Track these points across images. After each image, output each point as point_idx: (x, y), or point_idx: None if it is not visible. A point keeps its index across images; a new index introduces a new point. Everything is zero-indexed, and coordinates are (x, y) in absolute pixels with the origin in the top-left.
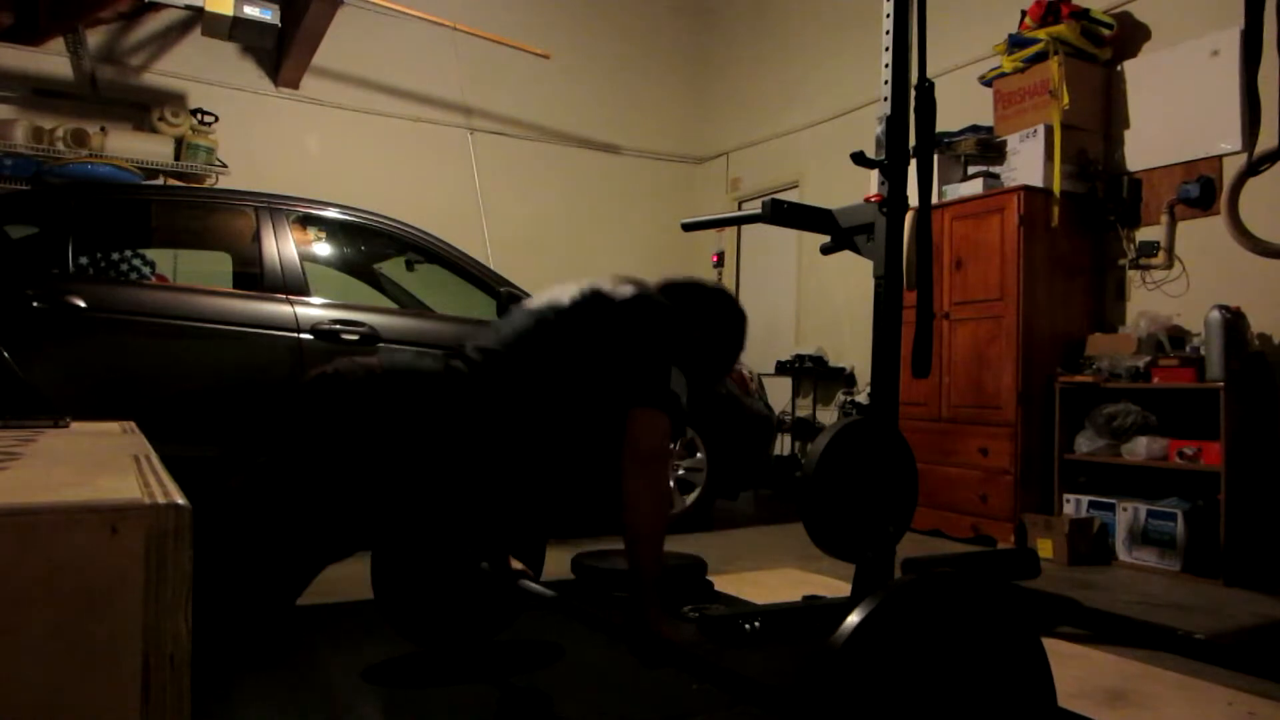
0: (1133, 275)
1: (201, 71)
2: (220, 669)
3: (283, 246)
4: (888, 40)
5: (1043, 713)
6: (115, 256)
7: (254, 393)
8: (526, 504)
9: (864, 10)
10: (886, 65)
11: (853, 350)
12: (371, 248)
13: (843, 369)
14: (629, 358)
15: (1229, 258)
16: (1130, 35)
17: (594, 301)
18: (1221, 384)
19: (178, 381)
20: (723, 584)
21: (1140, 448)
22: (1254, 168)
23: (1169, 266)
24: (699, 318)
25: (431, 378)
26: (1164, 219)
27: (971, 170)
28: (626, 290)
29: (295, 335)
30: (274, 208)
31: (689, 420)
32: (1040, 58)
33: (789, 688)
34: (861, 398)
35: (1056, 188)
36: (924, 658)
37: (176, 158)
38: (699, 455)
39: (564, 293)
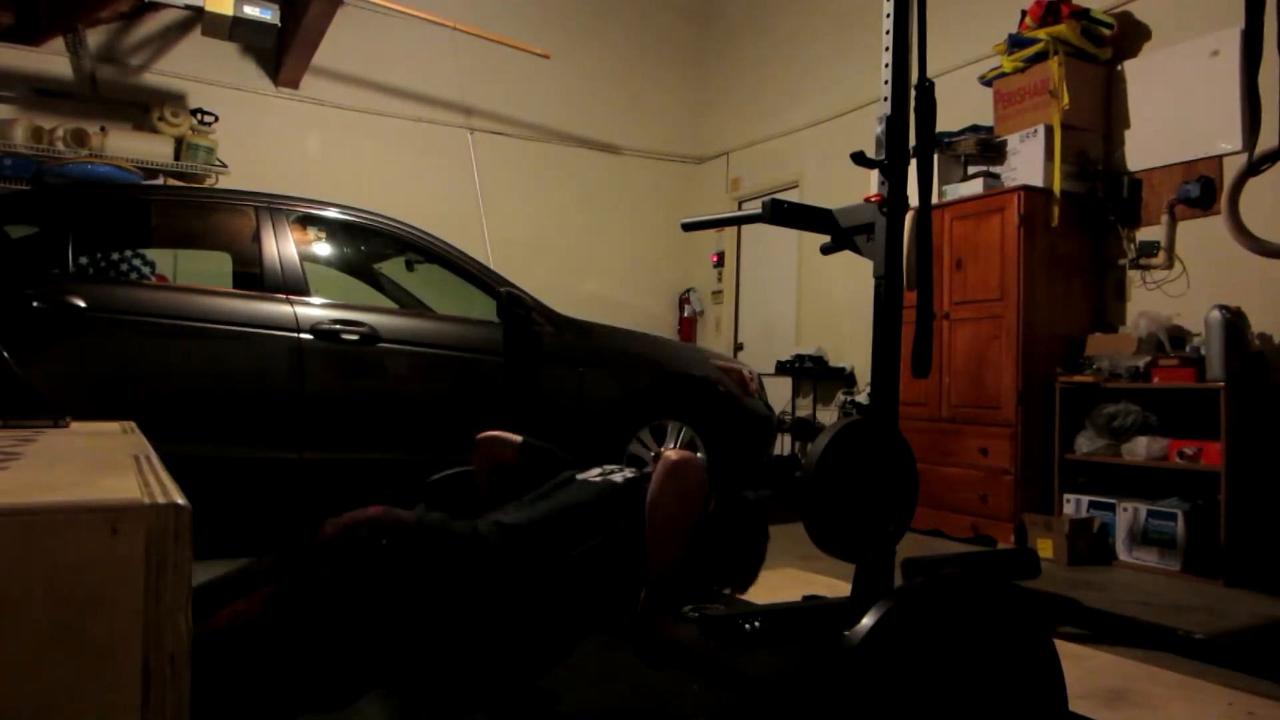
0: (1133, 275)
1: (201, 71)
2: None
3: (283, 246)
4: (888, 40)
5: (1055, 714)
6: (115, 256)
7: (254, 392)
8: (547, 653)
9: (864, 10)
10: (886, 65)
11: (853, 350)
12: (371, 248)
13: (843, 369)
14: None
15: (1229, 258)
16: (1130, 35)
17: (635, 492)
18: (1221, 384)
19: (178, 381)
20: None
21: (1140, 448)
22: (1254, 168)
23: (1169, 266)
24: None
25: (460, 541)
26: (1164, 219)
27: (972, 170)
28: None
29: (295, 335)
30: (274, 208)
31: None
32: (1040, 58)
33: (799, 688)
34: (861, 398)
35: (1056, 188)
36: (938, 658)
37: (176, 158)
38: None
39: (618, 474)
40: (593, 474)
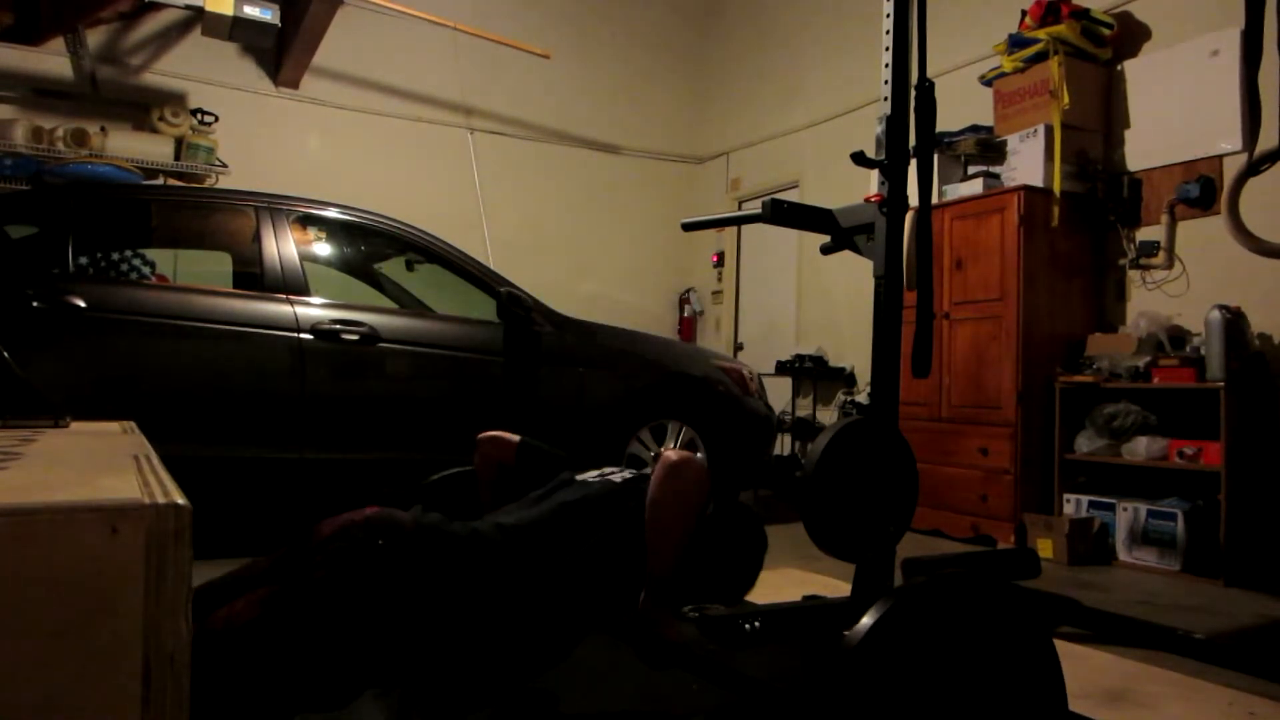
0: (1133, 275)
1: (201, 71)
2: None
3: (283, 246)
4: (888, 40)
5: (1055, 713)
6: (115, 256)
7: (254, 392)
8: (547, 653)
9: (864, 10)
10: (886, 65)
11: (853, 350)
12: (371, 248)
13: (843, 369)
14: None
15: (1229, 258)
16: (1130, 35)
17: (637, 489)
18: (1221, 384)
19: (178, 381)
20: None
21: (1140, 448)
22: (1254, 168)
23: (1169, 266)
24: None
25: (461, 542)
26: (1164, 219)
27: (972, 170)
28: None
29: (295, 335)
30: (274, 208)
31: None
32: (1040, 58)
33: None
34: (861, 398)
35: (1056, 188)
36: (938, 658)
37: (176, 158)
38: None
39: (616, 474)
40: (591, 475)
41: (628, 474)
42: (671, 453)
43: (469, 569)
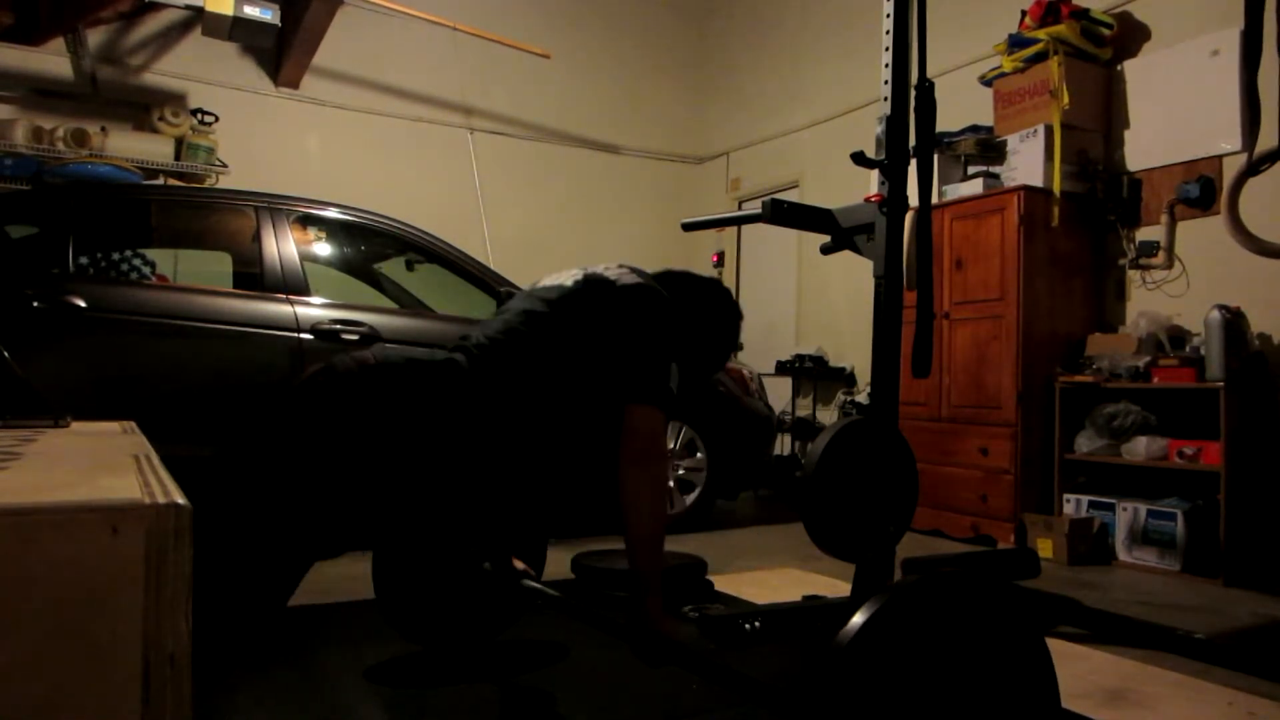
0: (1133, 275)
1: (201, 71)
2: (217, 669)
3: (283, 246)
4: (888, 40)
5: (1046, 713)
6: (115, 256)
7: (254, 392)
8: (526, 500)
9: (864, 10)
10: (886, 65)
11: (853, 350)
12: (371, 248)
13: (843, 369)
14: (630, 349)
15: (1229, 258)
16: (1130, 35)
17: (595, 287)
18: (1221, 384)
19: (178, 381)
20: (723, 584)
21: (1140, 448)
22: (1254, 168)
23: (1169, 266)
24: (695, 310)
25: (427, 368)
26: (1164, 219)
27: (971, 170)
28: (629, 279)
29: (295, 335)
30: (274, 208)
31: (680, 413)
32: (1040, 58)
33: (792, 687)
34: (861, 398)
35: (1056, 188)
36: (929, 657)
37: (177, 158)
38: (699, 455)
39: (566, 277)
40: (545, 282)
41: (576, 274)
42: (625, 454)
43: (442, 393)
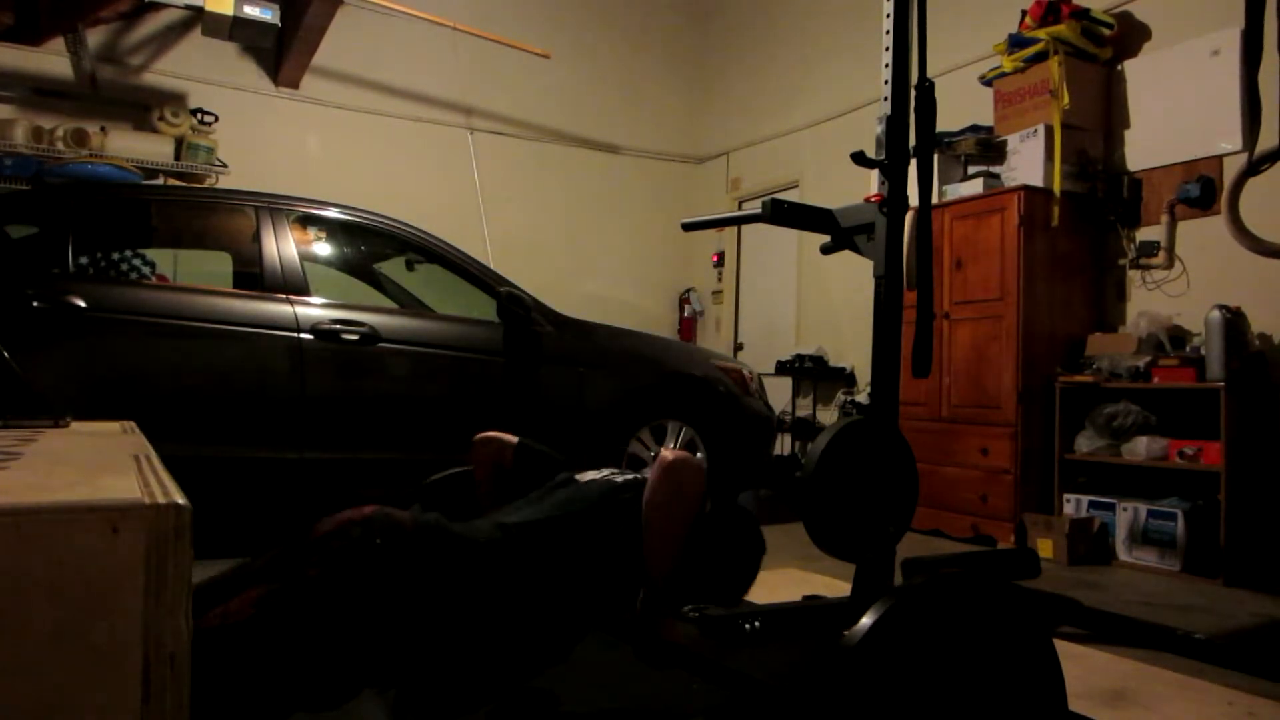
0: (1133, 275)
1: (201, 71)
2: None
3: (283, 246)
4: (888, 40)
5: (1054, 713)
6: (115, 256)
7: (255, 392)
8: (545, 653)
9: (864, 10)
10: (886, 65)
11: (853, 350)
12: (371, 248)
13: (843, 369)
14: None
15: (1229, 258)
16: (1130, 35)
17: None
18: (1221, 384)
19: (178, 381)
20: None
21: (1140, 447)
22: (1254, 168)
23: (1169, 266)
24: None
25: (458, 541)
26: (1164, 219)
27: (972, 170)
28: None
29: (295, 335)
30: (274, 208)
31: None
32: (1040, 57)
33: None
34: (861, 398)
35: (1056, 187)
36: (938, 658)
37: (176, 158)
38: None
39: (613, 478)
40: (590, 475)
41: (628, 475)
42: (668, 453)
43: (468, 568)
